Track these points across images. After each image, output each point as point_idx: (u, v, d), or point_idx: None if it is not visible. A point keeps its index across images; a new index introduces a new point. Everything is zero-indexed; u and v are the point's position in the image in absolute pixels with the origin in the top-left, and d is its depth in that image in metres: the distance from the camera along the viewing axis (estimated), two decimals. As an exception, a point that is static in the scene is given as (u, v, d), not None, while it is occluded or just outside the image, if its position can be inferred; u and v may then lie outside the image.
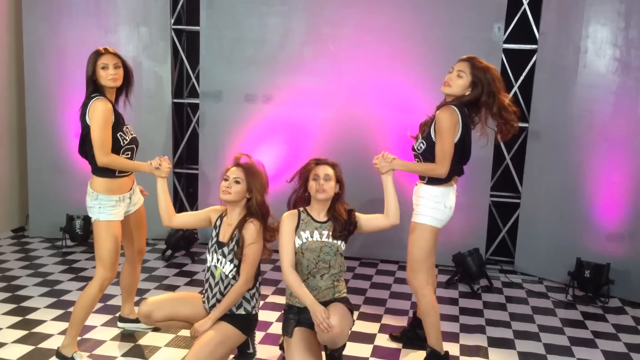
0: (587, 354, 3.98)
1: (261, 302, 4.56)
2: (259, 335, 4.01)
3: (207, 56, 5.81)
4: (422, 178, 3.57)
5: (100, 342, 3.83)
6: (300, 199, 3.54)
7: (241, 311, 3.41)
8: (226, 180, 3.38)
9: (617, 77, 4.89)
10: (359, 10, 5.47)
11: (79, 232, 5.68)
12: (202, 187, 5.97)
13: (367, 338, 4.06)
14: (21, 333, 3.91)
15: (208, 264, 3.47)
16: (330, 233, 3.42)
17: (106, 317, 4.19)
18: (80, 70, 5.77)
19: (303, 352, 3.25)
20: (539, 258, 5.39)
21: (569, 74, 5.10)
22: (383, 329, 4.21)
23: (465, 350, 3.94)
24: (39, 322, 4.08)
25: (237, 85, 5.77)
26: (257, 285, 3.48)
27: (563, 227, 5.19)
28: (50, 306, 4.35)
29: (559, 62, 5.16)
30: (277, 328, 4.13)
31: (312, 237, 3.41)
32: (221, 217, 3.50)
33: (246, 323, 3.42)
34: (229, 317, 3.37)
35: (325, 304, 3.34)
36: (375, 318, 4.40)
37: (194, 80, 6.20)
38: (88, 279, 4.92)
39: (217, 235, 3.46)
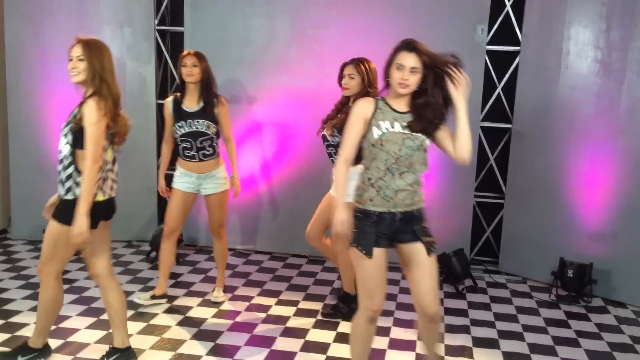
0: (571, 353, 4.01)
1: (246, 304, 4.57)
2: (245, 336, 4.01)
3: (191, 57, 5.77)
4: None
5: (83, 345, 3.80)
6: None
7: (69, 196, 3.18)
8: (71, 60, 3.23)
9: (598, 78, 4.94)
10: (344, 12, 5.48)
11: (62, 234, 5.62)
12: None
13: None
14: (4, 336, 3.87)
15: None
16: (411, 125, 3.02)
17: (90, 320, 4.17)
18: (63, 71, 5.77)
19: (383, 275, 3.05)
20: (522, 258, 5.43)
21: (552, 75, 5.15)
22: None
23: (450, 350, 3.96)
24: (22, 325, 4.04)
25: (222, 86, 5.69)
26: (106, 170, 3.27)
27: (546, 227, 5.24)
28: (33, 309, 4.30)
29: (541, 64, 5.21)
30: (263, 329, 4.13)
31: (392, 127, 3.00)
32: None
33: (69, 210, 3.14)
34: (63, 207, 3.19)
35: (405, 214, 3.01)
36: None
37: (178, 81, 6.15)
38: (72, 281, 4.89)
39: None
